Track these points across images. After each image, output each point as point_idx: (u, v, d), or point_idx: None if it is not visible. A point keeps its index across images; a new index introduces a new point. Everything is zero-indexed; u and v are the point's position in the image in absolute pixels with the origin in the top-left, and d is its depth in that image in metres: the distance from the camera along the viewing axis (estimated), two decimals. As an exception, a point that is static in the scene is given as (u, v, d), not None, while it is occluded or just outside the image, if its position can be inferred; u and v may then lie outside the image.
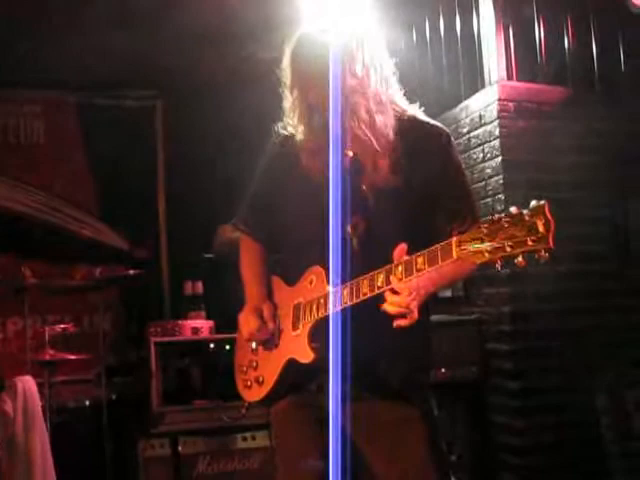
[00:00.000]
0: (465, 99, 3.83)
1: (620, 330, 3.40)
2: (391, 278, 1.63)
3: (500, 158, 3.50)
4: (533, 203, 1.39)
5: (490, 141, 3.57)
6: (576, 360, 3.35)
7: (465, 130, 3.79)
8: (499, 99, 3.50)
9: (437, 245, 1.53)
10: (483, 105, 3.63)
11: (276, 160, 2.05)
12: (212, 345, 3.62)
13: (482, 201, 3.60)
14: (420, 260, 1.57)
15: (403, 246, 1.65)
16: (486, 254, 1.43)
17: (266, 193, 2.08)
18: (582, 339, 3.38)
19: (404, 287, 1.63)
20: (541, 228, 1.35)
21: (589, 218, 3.57)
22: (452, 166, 1.91)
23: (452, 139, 1.93)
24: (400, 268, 1.61)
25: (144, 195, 4.74)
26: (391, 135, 1.83)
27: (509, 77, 3.60)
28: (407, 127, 1.87)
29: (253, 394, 2.02)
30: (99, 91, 4.66)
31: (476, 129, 3.69)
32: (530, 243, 1.37)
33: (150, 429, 3.46)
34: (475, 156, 3.69)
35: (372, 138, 1.81)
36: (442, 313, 3.65)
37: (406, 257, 1.62)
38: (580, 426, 3.31)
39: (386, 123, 1.83)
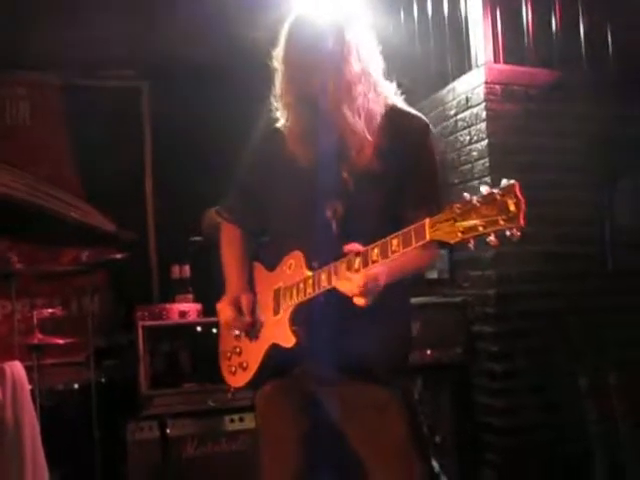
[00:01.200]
0: (452, 81, 3.82)
1: (603, 312, 3.42)
2: (368, 261, 1.65)
3: (486, 141, 3.50)
4: (504, 182, 1.40)
5: (477, 124, 3.57)
6: (560, 342, 3.38)
7: (452, 112, 3.79)
8: (486, 82, 3.49)
9: (411, 227, 1.55)
10: (470, 87, 3.62)
11: (262, 145, 2.07)
12: (199, 328, 3.62)
13: (468, 184, 3.62)
14: (395, 242, 1.59)
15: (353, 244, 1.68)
16: (459, 234, 1.44)
17: (251, 179, 2.10)
18: (566, 321, 3.40)
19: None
20: (512, 207, 1.37)
21: (574, 201, 3.58)
22: (426, 157, 1.94)
23: (431, 130, 1.96)
24: (376, 250, 1.63)
25: (131, 178, 4.72)
26: (378, 123, 1.85)
27: (496, 60, 3.59)
28: (390, 116, 1.90)
29: (238, 380, 2.05)
30: (85, 72, 4.61)
31: (463, 111, 3.69)
32: (502, 222, 1.38)
33: (139, 412, 3.49)
34: (462, 139, 3.69)
35: (365, 126, 1.83)
36: (428, 295, 3.68)
37: (381, 240, 1.64)
38: (563, 407, 3.34)
39: (377, 112, 1.86)
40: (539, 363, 3.40)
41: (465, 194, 1.45)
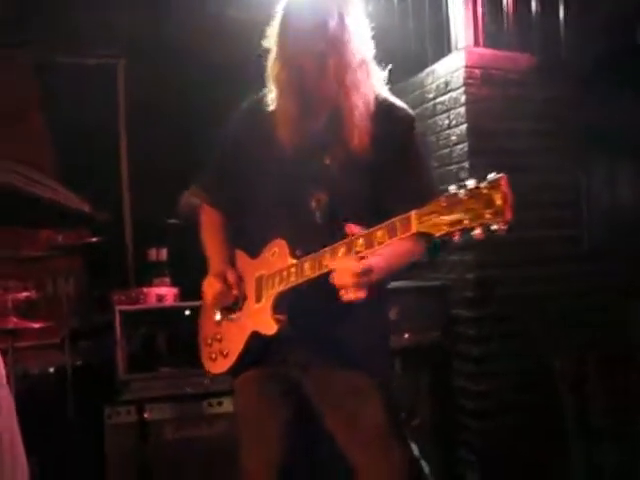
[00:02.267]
0: (431, 64, 3.80)
1: (581, 296, 3.47)
2: (352, 251, 1.64)
3: (465, 125, 3.49)
4: (491, 176, 1.40)
5: (456, 108, 3.56)
6: (538, 325, 3.41)
7: (431, 96, 3.78)
8: (466, 66, 3.47)
9: (396, 218, 1.54)
10: (449, 71, 3.60)
11: (245, 125, 2.03)
12: (187, 312, 3.58)
13: (447, 168, 3.61)
14: (380, 233, 1.58)
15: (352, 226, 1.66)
16: (444, 227, 1.45)
17: (231, 159, 2.06)
18: (544, 305, 3.44)
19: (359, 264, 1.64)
20: (498, 201, 1.37)
21: (553, 185, 3.60)
22: (415, 151, 1.94)
23: (415, 123, 1.96)
24: (361, 241, 1.62)
25: (106, 158, 4.63)
26: (369, 112, 1.83)
27: (476, 43, 3.58)
28: (377, 105, 1.88)
29: (217, 366, 2.05)
30: (58, 49, 4.48)
31: (442, 95, 3.67)
32: (488, 216, 1.39)
33: (116, 396, 3.46)
34: (441, 122, 3.69)
35: (357, 114, 1.81)
36: (407, 279, 3.68)
37: (365, 230, 1.63)
38: (540, 390, 3.37)
39: (369, 100, 1.84)
40: (517, 347, 3.43)
41: (451, 187, 1.45)
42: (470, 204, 1.40)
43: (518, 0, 3.70)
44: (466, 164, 3.49)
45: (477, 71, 3.50)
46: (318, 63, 1.78)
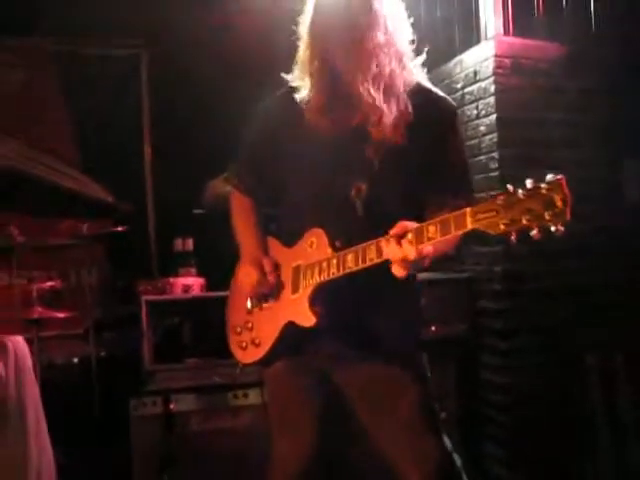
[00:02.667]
0: (460, 54, 3.75)
1: (611, 290, 3.42)
2: (403, 243, 1.60)
3: (495, 115, 3.44)
4: (549, 177, 1.38)
5: (485, 98, 3.50)
6: (566, 320, 3.38)
7: (459, 86, 3.72)
8: (495, 55, 3.41)
9: (449, 214, 1.52)
10: (478, 60, 3.54)
11: (278, 113, 2.00)
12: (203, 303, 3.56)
13: (475, 159, 3.56)
14: (432, 229, 1.56)
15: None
16: (502, 226, 1.42)
17: (264, 146, 2.03)
18: (573, 299, 3.40)
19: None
20: (559, 203, 1.36)
21: (583, 177, 3.52)
22: (456, 141, 1.92)
23: (458, 113, 1.94)
24: (410, 236, 1.59)
25: (129, 148, 4.62)
26: (405, 100, 1.80)
27: (506, 32, 3.52)
28: (415, 93, 1.84)
29: (248, 355, 2.02)
30: (82, 39, 4.48)
31: (471, 85, 3.62)
32: (547, 217, 1.36)
33: (142, 387, 3.46)
34: (469, 113, 3.64)
35: (383, 99, 1.77)
36: (433, 271, 3.65)
37: (417, 225, 1.60)
38: (567, 386, 3.33)
39: (400, 86, 1.80)
40: (544, 341, 3.39)
41: (508, 185, 1.42)
42: (529, 204, 1.38)
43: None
44: (495, 154, 3.44)
45: (507, 60, 3.44)
46: (342, 50, 1.76)
